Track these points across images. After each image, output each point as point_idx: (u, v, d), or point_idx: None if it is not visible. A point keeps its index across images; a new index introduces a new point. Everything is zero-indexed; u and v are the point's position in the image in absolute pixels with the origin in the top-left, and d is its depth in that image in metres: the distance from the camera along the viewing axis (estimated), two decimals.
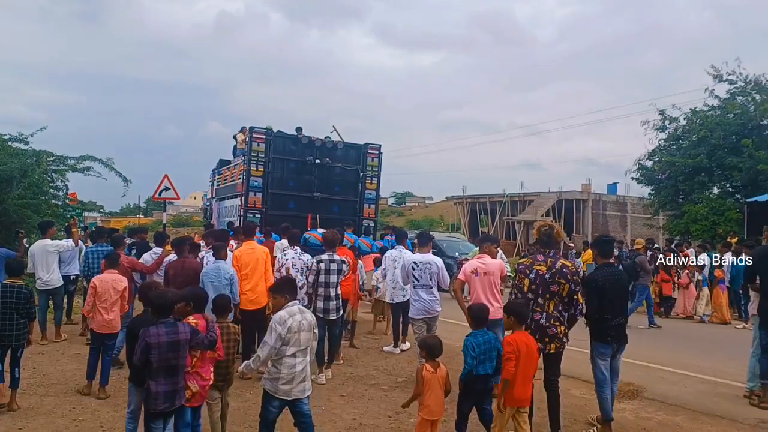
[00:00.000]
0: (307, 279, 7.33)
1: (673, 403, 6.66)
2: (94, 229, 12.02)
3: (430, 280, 7.05)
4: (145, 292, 4.63)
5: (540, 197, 37.82)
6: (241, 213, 13.36)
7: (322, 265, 7.17)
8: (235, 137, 16.56)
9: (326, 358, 7.45)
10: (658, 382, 7.53)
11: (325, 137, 14.00)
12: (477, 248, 14.55)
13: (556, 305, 5.18)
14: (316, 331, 4.70)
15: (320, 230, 10.36)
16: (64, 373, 6.92)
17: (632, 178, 24.33)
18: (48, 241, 9.14)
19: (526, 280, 5.24)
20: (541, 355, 5.12)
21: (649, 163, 22.93)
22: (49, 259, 9.03)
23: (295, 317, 4.45)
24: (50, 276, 9.03)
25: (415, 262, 7.10)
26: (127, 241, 11.91)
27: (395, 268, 8.82)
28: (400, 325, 9.04)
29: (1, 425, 5.22)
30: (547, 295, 5.17)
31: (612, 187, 40.23)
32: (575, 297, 5.23)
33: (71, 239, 9.61)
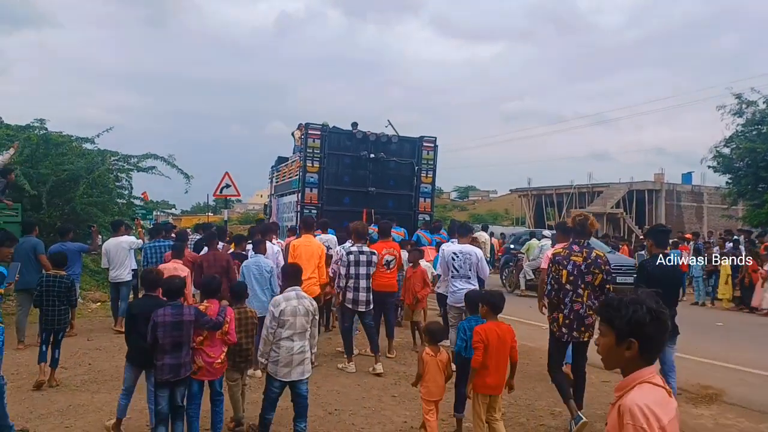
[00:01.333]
0: (338, 272, 7.43)
1: (757, 409, 6.07)
2: (151, 226, 12.40)
3: (470, 270, 7.11)
4: (147, 277, 5.20)
5: (609, 188, 36.37)
6: (298, 209, 13.41)
7: (352, 257, 7.30)
8: (293, 134, 16.65)
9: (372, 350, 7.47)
10: (738, 385, 6.91)
11: (380, 133, 13.84)
12: (533, 241, 14.21)
13: (589, 295, 5.28)
14: (317, 316, 4.98)
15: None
16: (118, 370, 6.91)
17: (708, 167, 22.82)
18: (123, 238, 9.71)
19: (564, 272, 5.27)
20: (572, 343, 5.37)
21: (727, 150, 21.46)
22: (122, 254, 9.54)
23: (291, 302, 4.76)
24: (121, 270, 9.53)
25: (455, 253, 7.17)
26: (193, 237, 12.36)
27: None
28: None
29: (50, 422, 5.26)
30: (583, 285, 5.27)
31: (687, 177, 38.21)
32: (606, 286, 5.32)
33: (139, 238, 10.27)
